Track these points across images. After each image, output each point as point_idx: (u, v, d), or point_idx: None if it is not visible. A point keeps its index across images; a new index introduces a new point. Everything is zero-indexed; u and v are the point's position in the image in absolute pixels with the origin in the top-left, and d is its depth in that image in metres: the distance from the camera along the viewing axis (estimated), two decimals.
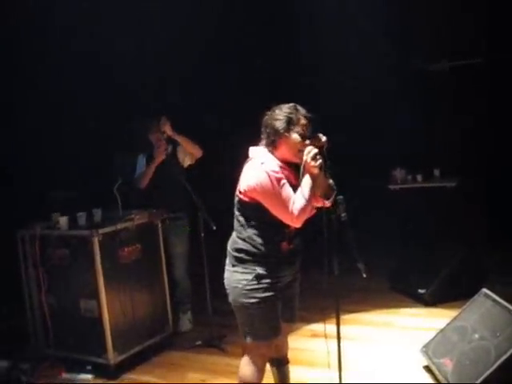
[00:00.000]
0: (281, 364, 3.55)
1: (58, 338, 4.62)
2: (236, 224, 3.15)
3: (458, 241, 5.80)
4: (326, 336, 3.15)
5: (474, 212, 6.47)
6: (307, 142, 2.98)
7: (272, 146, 3.05)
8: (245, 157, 3.17)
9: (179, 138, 5.00)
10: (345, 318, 4.79)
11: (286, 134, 2.99)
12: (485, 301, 3.93)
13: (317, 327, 5.06)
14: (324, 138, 3.00)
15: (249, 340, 3.13)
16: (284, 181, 2.98)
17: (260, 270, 3.03)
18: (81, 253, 4.35)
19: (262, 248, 3.03)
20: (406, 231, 6.34)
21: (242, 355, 3.28)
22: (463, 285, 5.30)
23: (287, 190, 2.97)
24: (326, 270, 3.09)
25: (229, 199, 3.28)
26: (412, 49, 7.56)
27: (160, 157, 4.97)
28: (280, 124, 2.99)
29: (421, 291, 5.45)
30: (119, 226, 4.48)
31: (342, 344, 3.16)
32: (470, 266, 5.56)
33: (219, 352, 4.75)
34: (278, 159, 3.05)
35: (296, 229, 3.08)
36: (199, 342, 4.90)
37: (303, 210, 2.93)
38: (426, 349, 4.08)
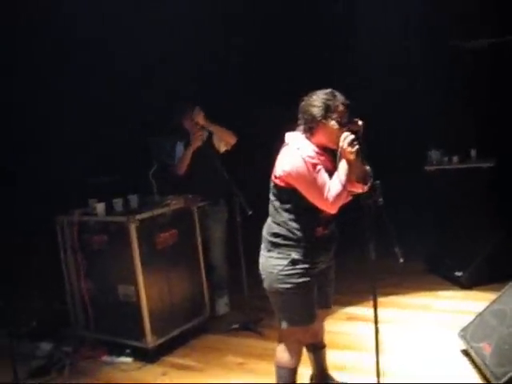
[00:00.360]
0: (317, 348, 3.57)
1: (97, 321, 4.71)
2: (271, 209, 3.15)
3: (495, 223, 5.71)
4: (376, 321, 3.15)
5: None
6: (344, 128, 2.96)
7: (309, 132, 3.03)
8: (280, 142, 3.17)
9: (213, 128, 5.02)
10: (382, 300, 4.74)
11: (324, 120, 2.97)
12: None
13: (352, 310, 5.08)
14: (360, 123, 2.98)
15: (284, 325, 3.14)
16: (320, 166, 2.97)
17: (295, 255, 3.03)
18: (118, 238, 4.41)
19: (298, 233, 3.03)
20: (442, 213, 6.26)
21: (278, 341, 3.30)
22: (500, 268, 5.24)
23: (323, 176, 2.96)
24: (368, 254, 3.09)
25: (264, 185, 3.29)
26: (448, 26, 7.39)
27: (196, 143, 5.00)
28: (318, 111, 2.97)
29: (458, 274, 5.41)
30: (155, 212, 4.52)
31: (379, 327, 3.17)
32: (507, 248, 5.47)
33: (256, 335, 4.78)
34: (315, 145, 3.04)
35: (331, 214, 3.06)
36: (236, 326, 4.95)
37: (339, 196, 2.93)
38: (464, 333, 4.05)
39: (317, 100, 2.99)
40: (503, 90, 7.01)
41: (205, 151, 4.99)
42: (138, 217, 4.35)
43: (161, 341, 4.51)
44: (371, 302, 3.20)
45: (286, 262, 3.04)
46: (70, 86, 5.57)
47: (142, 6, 5.97)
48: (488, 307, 4.01)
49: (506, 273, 4.91)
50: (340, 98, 3.00)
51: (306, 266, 3.05)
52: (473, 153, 6.57)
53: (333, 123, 2.96)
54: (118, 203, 4.62)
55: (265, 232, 3.19)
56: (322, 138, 3.02)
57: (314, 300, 3.14)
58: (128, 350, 4.55)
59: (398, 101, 7.31)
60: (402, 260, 3.06)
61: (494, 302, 4.01)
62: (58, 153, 5.49)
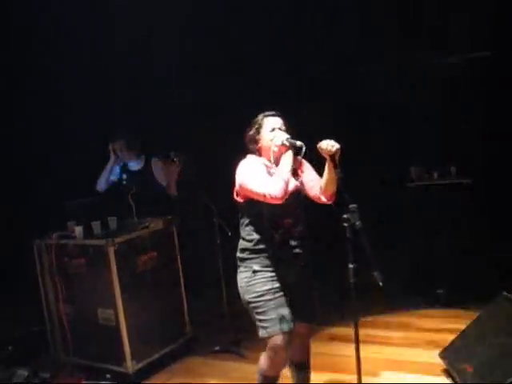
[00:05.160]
0: (301, 369, 3.52)
1: (76, 346, 4.64)
2: (240, 227, 3.33)
3: (476, 239, 5.72)
4: (357, 342, 3.12)
5: (492, 209, 6.38)
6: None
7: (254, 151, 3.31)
8: None
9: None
10: (362, 320, 4.76)
11: (258, 137, 3.25)
12: (505, 304, 3.88)
13: (333, 330, 5.04)
14: (335, 147, 2.98)
15: (261, 334, 3.19)
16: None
17: (256, 267, 3.19)
18: (97, 262, 4.36)
19: (259, 243, 3.18)
20: (422, 230, 6.26)
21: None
22: (481, 285, 5.25)
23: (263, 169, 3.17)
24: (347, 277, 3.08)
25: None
26: (425, 42, 7.43)
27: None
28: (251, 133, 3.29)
29: (438, 291, 5.40)
30: (134, 235, 4.49)
31: (359, 347, 3.14)
32: (488, 265, 5.49)
33: (238, 358, 4.74)
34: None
35: (296, 219, 3.22)
36: (217, 348, 4.90)
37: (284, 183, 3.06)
38: (446, 353, 4.04)
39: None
40: (482, 106, 7.06)
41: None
42: (117, 240, 4.31)
43: (141, 365, 4.45)
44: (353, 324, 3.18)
45: (249, 274, 3.21)
46: (45, 108, 5.55)
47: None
48: (468, 327, 4.02)
49: (487, 290, 4.91)
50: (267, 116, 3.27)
51: (266, 274, 3.18)
52: (453, 169, 6.61)
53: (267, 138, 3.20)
54: (96, 226, 4.57)
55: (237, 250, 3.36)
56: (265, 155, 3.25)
57: (285, 308, 3.16)
58: (108, 375, 4.48)
59: (380, 119, 7.34)
60: (381, 284, 3.05)
61: (474, 321, 4.02)
62: (36, 175, 5.44)
